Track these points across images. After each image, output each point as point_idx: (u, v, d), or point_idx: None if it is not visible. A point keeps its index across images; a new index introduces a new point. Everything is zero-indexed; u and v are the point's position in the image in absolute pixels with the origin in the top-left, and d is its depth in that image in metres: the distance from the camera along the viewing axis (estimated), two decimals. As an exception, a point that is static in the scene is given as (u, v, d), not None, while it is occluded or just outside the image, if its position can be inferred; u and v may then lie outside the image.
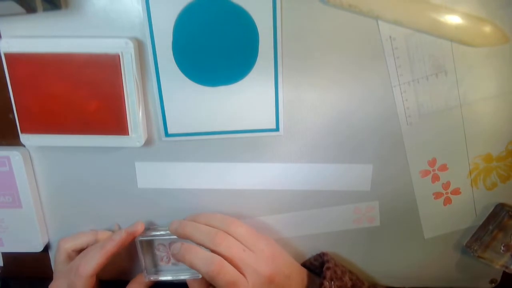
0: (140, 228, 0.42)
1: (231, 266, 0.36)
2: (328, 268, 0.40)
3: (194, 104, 0.39)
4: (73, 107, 0.37)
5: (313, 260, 0.45)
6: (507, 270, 0.44)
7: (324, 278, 0.39)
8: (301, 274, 0.41)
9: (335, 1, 0.35)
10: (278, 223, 0.45)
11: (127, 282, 0.45)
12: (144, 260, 0.43)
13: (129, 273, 0.47)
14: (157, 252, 0.44)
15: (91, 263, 0.38)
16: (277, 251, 0.40)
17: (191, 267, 0.36)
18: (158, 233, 0.43)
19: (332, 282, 0.39)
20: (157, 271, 0.45)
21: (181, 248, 0.37)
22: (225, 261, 0.35)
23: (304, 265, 0.44)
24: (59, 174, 0.42)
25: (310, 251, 0.46)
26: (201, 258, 0.36)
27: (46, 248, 0.46)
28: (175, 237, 0.41)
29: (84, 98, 0.37)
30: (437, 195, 0.43)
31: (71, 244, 0.42)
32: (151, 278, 0.44)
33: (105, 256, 0.39)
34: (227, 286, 0.35)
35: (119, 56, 0.35)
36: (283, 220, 0.44)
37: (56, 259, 0.42)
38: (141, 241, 0.42)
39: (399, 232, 0.45)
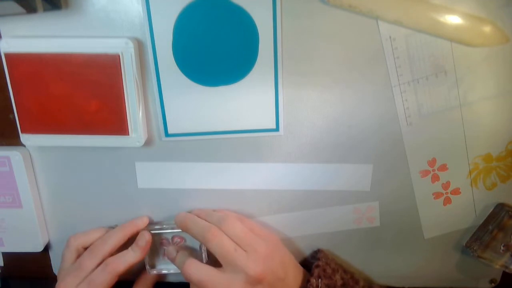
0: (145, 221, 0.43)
1: (229, 240, 0.37)
2: (317, 266, 0.40)
3: (194, 104, 0.39)
4: (73, 107, 0.37)
5: (310, 258, 0.45)
6: (507, 270, 0.44)
7: (312, 275, 0.39)
8: (298, 276, 0.41)
9: (335, 1, 0.35)
10: (278, 223, 0.45)
11: (127, 282, 0.45)
12: (147, 254, 0.43)
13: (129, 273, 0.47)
14: (161, 247, 0.45)
15: (126, 261, 0.39)
16: (274, 251, 0.39)
17: (187, 231, 0.39)
18: (162, 226, 0.43)
19: (320, 280, 0.39)
20: (160, 265, 0.45)
21: (184, 215, 0.40)
22: (223, 234, 0.38)
23: (302, 263, 0.44)
24: (59, 174, 0.42)
25: (310, 251, 0.46)
26: (200, 225, 0.39)
27: (46, 248, 0.46)
28: (178, 231, 0.42)
29: (84, 98, 0.37)
30: (437, 195, 0.43)
31: (82, 241, 0.41)
32: (154, 272, 0.45)
33: (141, 257, 0.41)
34: (221, 249, 0.37)
35: (119, 56, 0.35)
36: (283, 220, 0.44)
37: (65, 257, 0.41)
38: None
39: (399, 232, 0.45)
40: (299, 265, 0.42)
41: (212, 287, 0.36)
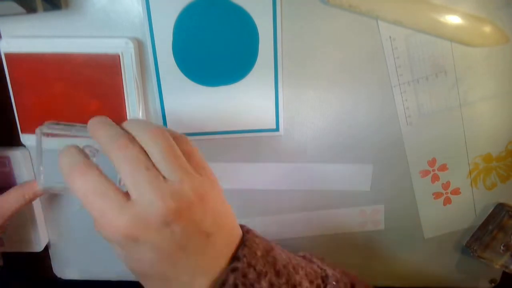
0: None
1: (144, 156, 0.26)
2: (234, 270, 0.27)
3: (194, 104, 0.39)
4: (73, 107, 0.37)
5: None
6: (507, 270, 0.44)
7: (224, 284, 0.26)
8: (231, 244, 0.29)
9: (335, 1, 0.35)
10: (278, 224, 0.45)
11: (123, 282, 0.45)
12: (41, 161, 0.32)
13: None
14: None
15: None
16: (208, 195, 0.27)
17: (96, 138, 0.28)
18: (69, 126, 0.32)
19: None
20: (56, 178, 0.32)
21: (99, 117, 0.29)
22: (138, 147, 0.26)
23: None
24: (59, 174, 0.42)
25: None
26: (110, 131, 0.28)
27: (46, 248, 0.46)
28: (82, 134, 0.31)
29: (84, 98, 0.37)
30: (437, 195, 0.43)
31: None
32: (45, 186, 0.32)
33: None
34: (128, 165, 0.25)
35: (119, 56, 0.35)
36: (282, 220, 0.44)
37: None
38: (41, 133, 0.31)
39: (399, 232, 0.45)
40: (239, 229, 0.30)
41: (98, 207, 0.25)
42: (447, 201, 0.44)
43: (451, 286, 0.48)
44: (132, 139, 0.27)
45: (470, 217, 0.45)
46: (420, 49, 0.37)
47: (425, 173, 0.42)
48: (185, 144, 0.28)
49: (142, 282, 0.28)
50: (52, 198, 0.44)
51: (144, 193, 0.25)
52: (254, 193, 0.43)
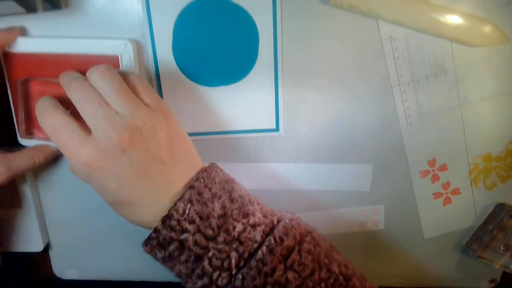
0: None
1: (97, 94, 0.29)
2: (191, 187, 0.30)
3: (194, 104, 0.39)
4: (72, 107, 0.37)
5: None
6: (507, 270, 0.44)
7: (180, 198, 0.29)
8: (189, 171, 0.31)
9: (335, 1, 0.35)
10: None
11: (122, 282, 0.45)
12: (22, 110, 0.35)
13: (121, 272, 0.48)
14: None
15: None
16: (160, 125, 0.30)
17: (62, 85, 0.31)
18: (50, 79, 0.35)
19: (189, 205, 0.29)
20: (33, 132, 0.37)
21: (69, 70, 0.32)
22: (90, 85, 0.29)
23: None
24: (59, 174, 0.42)
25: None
26: (70, 75, 0.31)
27: (46, 248, 0.46)
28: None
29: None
30: (437, 195, 0.43)
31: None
32: (27, 139, 0.36)
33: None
34: (82, 101, 0.29)
35: (118, 57, 0.35)
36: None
37: None
38: (22, 82, 0.35)
39: (399, 232, 0.45)
40: (199, 162, 0.33)
41: (64, 141, 0.28)
42: (447, 201, 0.44)
43: (451, 286, 0.48)
44: (86, 81, 0.30)
45: (470, 217, 0.45)
46: (420, 49, 0.37)
47: (425, 173, 0.42)
48: (136, 82, 0.31)
49: (116, 211, 0.31)
50: (52, 198, 0.44)
51: (99, 126, 0.28)
52: (254, 193, 0.43)
